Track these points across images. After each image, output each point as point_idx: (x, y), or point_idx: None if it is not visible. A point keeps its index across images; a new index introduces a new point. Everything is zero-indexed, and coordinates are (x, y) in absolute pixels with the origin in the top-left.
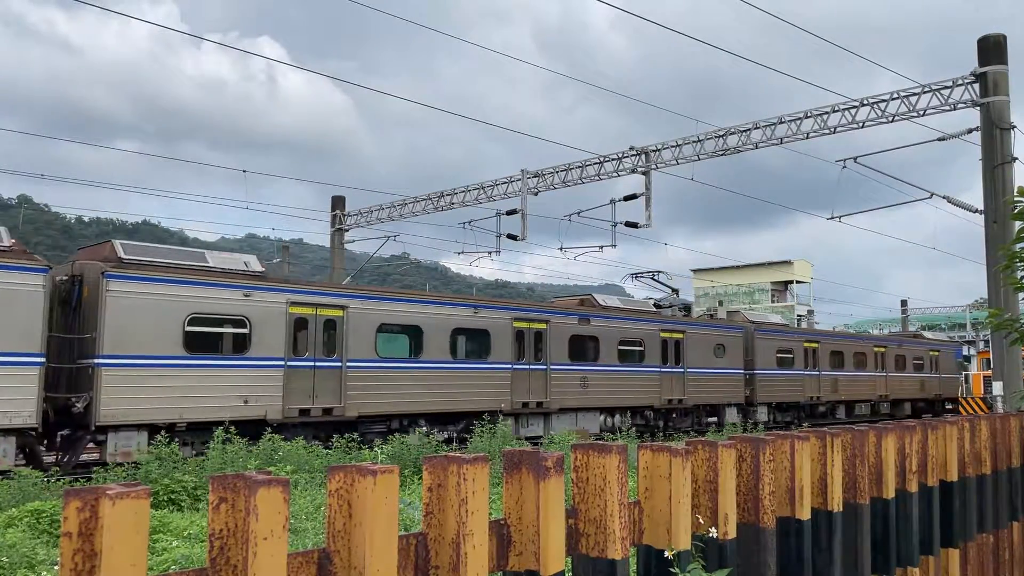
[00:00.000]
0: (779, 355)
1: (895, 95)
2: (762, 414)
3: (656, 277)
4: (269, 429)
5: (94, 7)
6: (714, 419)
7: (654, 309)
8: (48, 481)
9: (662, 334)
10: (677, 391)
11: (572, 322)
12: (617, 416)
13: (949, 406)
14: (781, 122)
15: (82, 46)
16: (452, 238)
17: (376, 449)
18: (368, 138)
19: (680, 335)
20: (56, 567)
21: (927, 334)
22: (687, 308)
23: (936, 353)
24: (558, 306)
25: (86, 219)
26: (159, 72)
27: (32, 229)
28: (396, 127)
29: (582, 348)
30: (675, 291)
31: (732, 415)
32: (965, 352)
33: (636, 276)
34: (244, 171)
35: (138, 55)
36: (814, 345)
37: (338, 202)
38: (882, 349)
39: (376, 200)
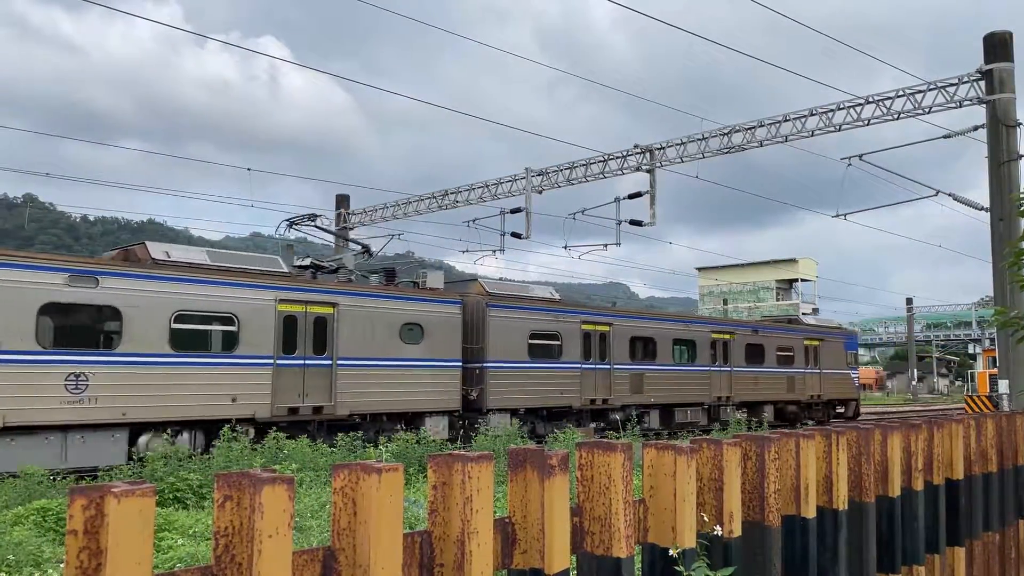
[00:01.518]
0: (534, 342)
1: (900, 92)
2: (498, 420)
3: (317, 223)
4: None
5: (98, 6)
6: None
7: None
8: (54, 480)
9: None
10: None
11: None
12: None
13: (840, 409)
14: (786, 120)
15: (85, 46)
16: (456, 236)
17: (381, 447)
18: (371, 137)
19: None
20: (62, 565)
21: (809, 319)
22: (390, 274)
23: (815, 343)
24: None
25: (91, 218)
26: (163, 73)
27: (37, 228)
28: (398, 126)
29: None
30: (365, 249)
31: (439, 425)
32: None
33: (291, 224)
34: (249, 170)
35: (142, 56)
36: (600, 328)
37: (342, 200)
38: (726, 336)
39: (380, 199)
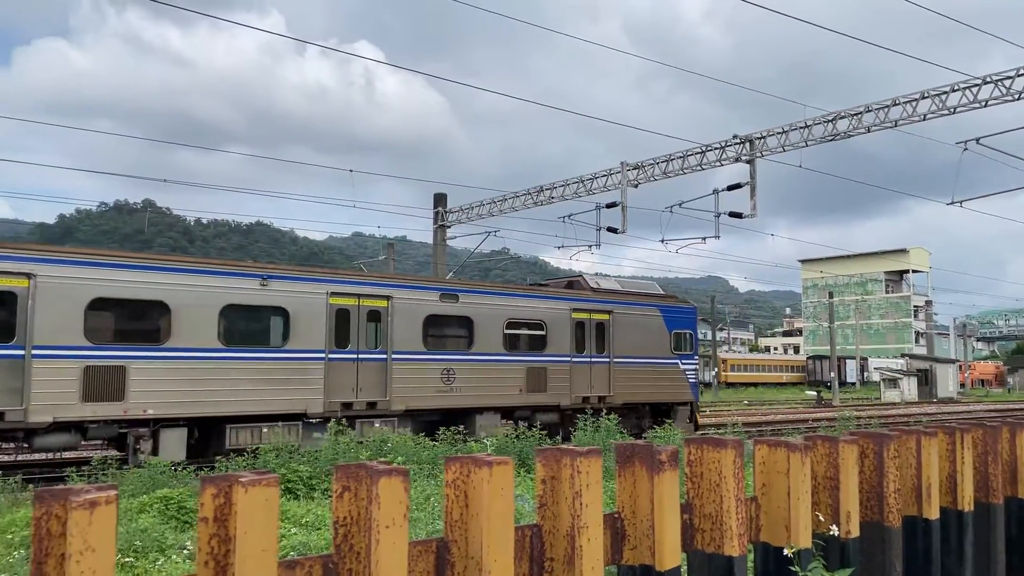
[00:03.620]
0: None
1: (1020, 72)
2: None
3: None
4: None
5: (207, 16)
6: None
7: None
8: (175, 470)
9: None
10: None
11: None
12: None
13: (667, 421)
14: (895, 104)
15: (194, 59)
16: (551, 232)
17: (484, 441)
18: (464, 136)
19: None
20: (185, 551)
21: (607, 280)
22: None
23: (600, 315)
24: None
25: (204, 221)
26: (266, 81)
27: (155, 231)
28: (490, 125)
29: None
30: None
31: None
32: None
33: None
34: (351, 171)
35: (246, 66)
36: (371, 303)
37: (440, 199)
38: (601, 315)
39: (475, 196)
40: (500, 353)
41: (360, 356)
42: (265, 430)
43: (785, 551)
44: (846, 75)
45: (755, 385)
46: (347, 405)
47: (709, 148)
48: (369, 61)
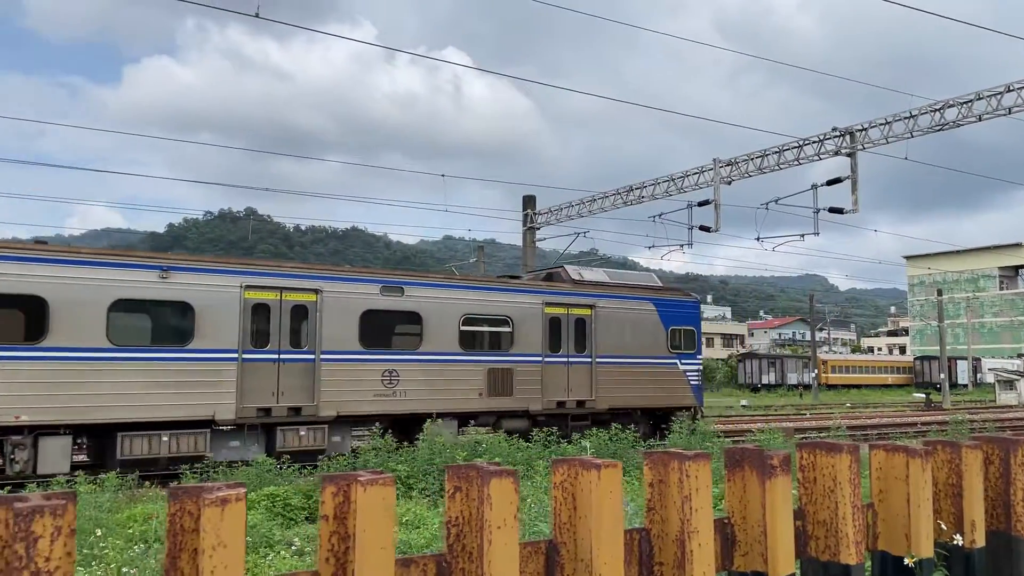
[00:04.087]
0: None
1: None
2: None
3: None
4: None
5: (305, 29)
6: None
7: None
8: (281, 468)
9: None
10: None
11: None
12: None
13: (661, 426)
14: (1009, 90)
15: (292, 72)
16: (642, 232)
17: (584, 442)
18: (551, 138)
19: None
20: (292, 547)
21: (592, 272)
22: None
23: (581, 310)
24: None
25: (303, 227)
26: (358, 90)
27: (258, 238)
28: (577, 126)
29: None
30: None
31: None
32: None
33: None
34: (443, 175)
35: (339, 76)
36: (297, 297)
37: (529, 201)
38: (580, 310)
39: (563, 197)
40: (455, 352)
41: (282, 356)
42: (165, 438)
43: (905, 560)
44: (953, 62)
45: (857, 387)
46: (266, 411)
47: (806, 142)
48: (457, 67)
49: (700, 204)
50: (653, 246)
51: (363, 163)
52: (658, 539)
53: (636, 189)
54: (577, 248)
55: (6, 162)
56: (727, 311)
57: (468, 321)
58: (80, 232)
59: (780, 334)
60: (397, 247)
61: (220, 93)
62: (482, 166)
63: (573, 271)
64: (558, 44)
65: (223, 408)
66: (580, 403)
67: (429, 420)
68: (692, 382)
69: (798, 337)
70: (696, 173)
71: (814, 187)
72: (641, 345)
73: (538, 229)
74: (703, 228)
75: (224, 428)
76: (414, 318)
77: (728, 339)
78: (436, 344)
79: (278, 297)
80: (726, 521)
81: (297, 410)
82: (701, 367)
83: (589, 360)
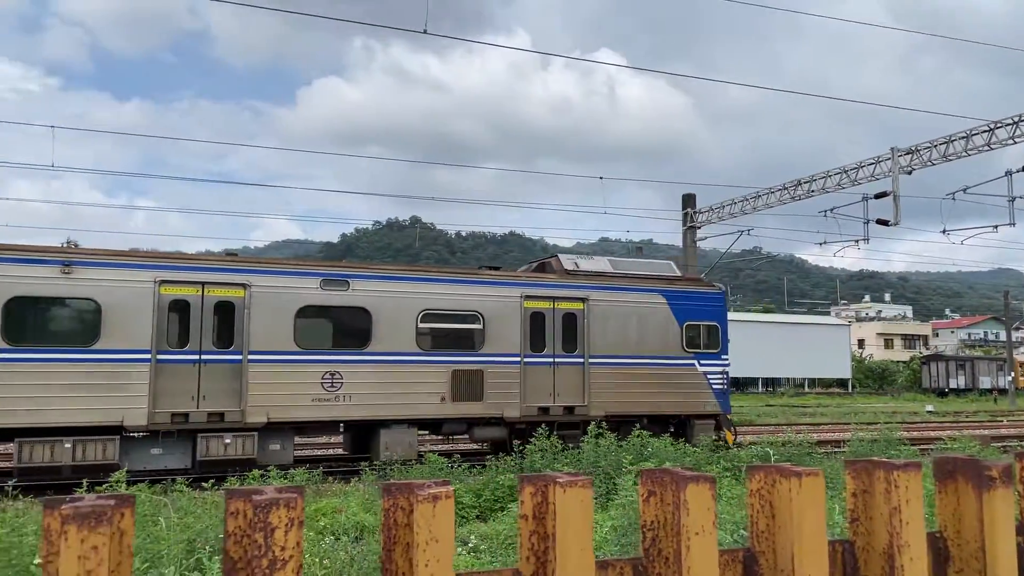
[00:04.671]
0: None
1: None
2: None
3: None
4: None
5: (463, 41)
6: None
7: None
8: (452, 467)
9: None
10: None
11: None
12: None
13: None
14: None
15: (451, 84)
16: (812, 228)
17: (767, 449)
18: (709, 135)
19: None
20: (468, 544)
21: (589, 261)
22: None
23: (571, 303)
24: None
25: (463, 234)
26: (514, 98)
27: (423, 245)
28: (736, 121)
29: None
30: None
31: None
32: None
33: None
34: (601, 178)
35: (496, 85)
36: (224, 293)
37: (688, 200)
38: (571, 304)
39: (723, 195)
40: (411, 352)
41: (204, 357)
42: (68, 445)
43: None
44: None
45: None
46: (184, 416)
47: (999, 124)
48: (611, 69)
49: (877, 196)
50: (824, 242)
51: (520, 169)
52: (863, 552)
53: (804, 183)
54: (740, 247)
55: (198, 181)
56: (908, 310)
57: (428, 317)
58: (263, 244)
59: (970, 334)
60: (554, 250)
61: (385, 108)
62: (639, 167)
63: (567, 260)
64: (713, 38)
65: (133, 413)
66: (569, 409)
67: (381, 428)
68: (714, 386)
69: (990, 337)
70: (871, 163)
71: (1008, 174)
72: (647, 343)
73: (698, 228)
74: (880, 222)
75: (136, 435)
76: (362, 314)
77: (909, 340)
78: (389, 343)
79: (199, 293)
80: (938, 535)
81: (221, 416)
82: (727, 369)
83: (581, 360)
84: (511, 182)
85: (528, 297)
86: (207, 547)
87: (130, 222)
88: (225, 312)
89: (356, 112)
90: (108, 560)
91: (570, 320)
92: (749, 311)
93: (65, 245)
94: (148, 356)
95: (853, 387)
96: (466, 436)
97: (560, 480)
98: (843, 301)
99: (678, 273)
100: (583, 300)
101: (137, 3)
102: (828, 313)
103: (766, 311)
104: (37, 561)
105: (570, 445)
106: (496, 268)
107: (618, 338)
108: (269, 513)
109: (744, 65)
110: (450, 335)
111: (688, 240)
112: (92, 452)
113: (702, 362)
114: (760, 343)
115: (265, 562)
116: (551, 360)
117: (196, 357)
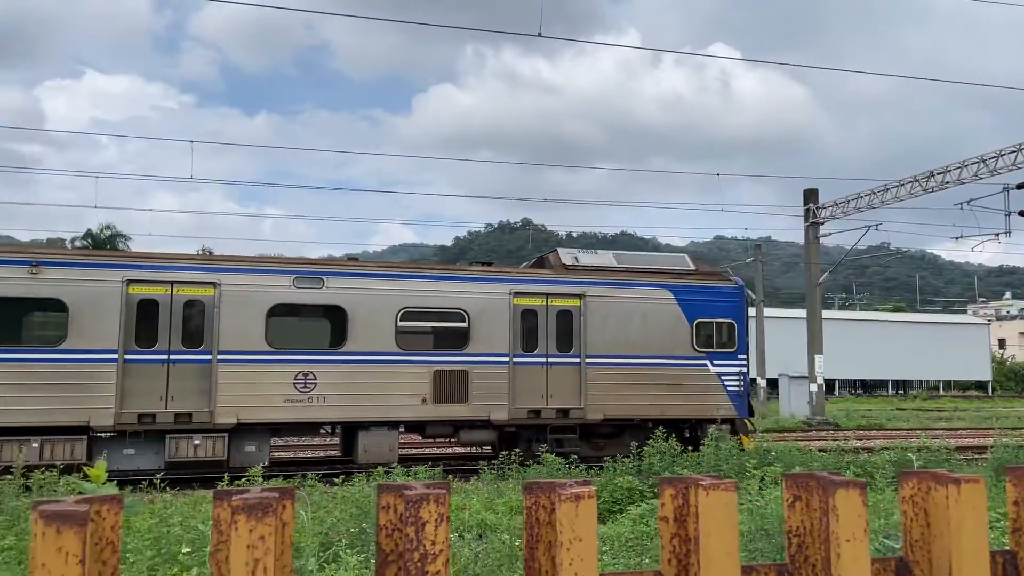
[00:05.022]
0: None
1: None
2: None
3: None
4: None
5: (574, 42)
6: None
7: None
8: (569, 467)
9: None
10: None
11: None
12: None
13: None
14: None
15: (562, 85)
16: (946, 222)
17: (909, 455)
18: (830, 127)
19: None
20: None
21: (588, 255)
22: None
23: (567, 299)
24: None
25: (574, 235)
26: (624, 97)
27: (534, 247)
28: (859, 111)
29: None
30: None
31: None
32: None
33: None
34: (718, 174)
35: (605, 85)
36: (194, 292)
37: (810, 195)
38: (566, 300)
39: (847, 189)
40: (390, 352)
41: (173, 357)
42: (35, 445)
43: None
44: None
45: None
46: (151, 416)
47: None
48: (725, 62)
49: (1019, 187)
50: (961, 236)
51: (632, 168)
52: None
53: (938, 174)
54: (866, 243)
55: (319, 189)
56: None
57: (408, 316)
58: (381, 248)
59: None
60: (666, 249)
61: (496, 112)
62: (755, 162)
63: (566, 254)
64: (833, 27)
65: (100, 413)
66: (563, 412)
67: (360, 430)
68: (729, 388)
69: None
70: (1013, 152)
71: None
72: (652, 341)
73: (821, 224)
74: (1023, 214)
75: (104, 435)
76: (337, 313)
77: None
78: (365, 342)
79: (168, 292)
80: None
81: (189, 416)
82: (744, 369)
83: (577, 360)
84: (622, 181)
85: (518, 294)
86: (342, 539)
87: (259, 229)
88: (195, 311)
89: (469, 117)
90: (274, 549)
91: (565, 317)
92: (876, 310)
93: (200, 252)
94: (115, 356)
95: (993, 390)
96: (478, 440)
97: (703, 483)
98: (981, 299)
99: (692, 267)
100: (580, 296)
101: (262, 20)
102: (964, 311)
103: (896, 310)
104: (186, 550)
105: (568, 448)
106: (488, 264)
107: (619, 336)
108: (420, 508)
109: (867, 53)
110: (432, 334)
111: (810, 237)
112: (60, 452)
113: (715, 362)
114: (890, 343)
115: (417, 556)
116: (544, 360)
117: (165, 357)
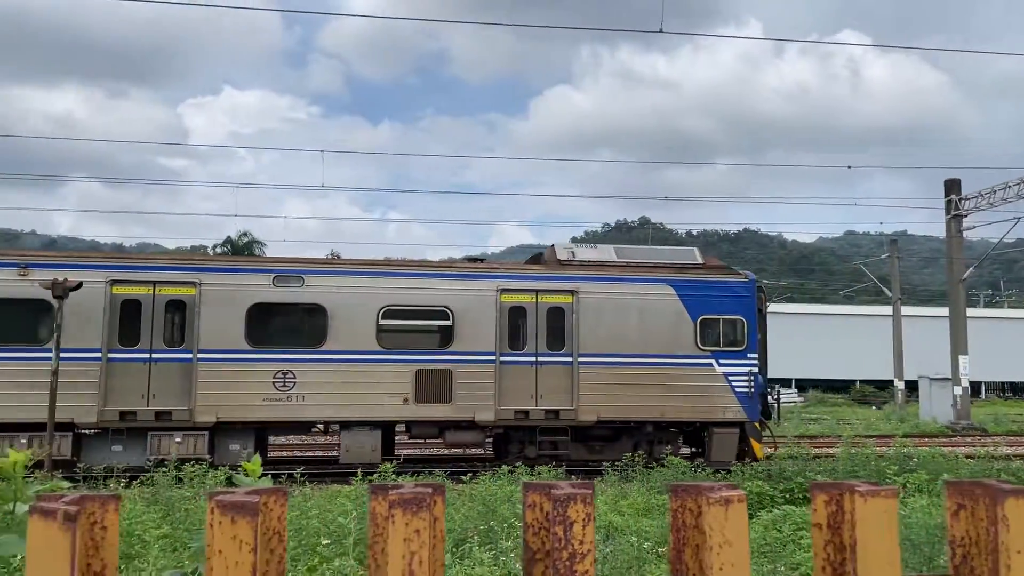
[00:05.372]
0: None
1: None
2: None
3: None
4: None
5: (694, 36)
6: None
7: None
8: (694, 472)
9: None
10: None
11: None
12: None
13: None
14: None
15: (679, 81)
16: None
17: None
18: (971, 113)
19: None
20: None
21: (587, 249)
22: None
23: (559, 297)
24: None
25: (694, 232)
26: (744, 90)
27: (653, 245)
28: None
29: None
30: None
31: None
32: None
33: None
34: (848, 167)
35: (725, 78)
36: (176, 291)
37: (952, 186)
38: (558, 297)
39: (993, 179)
40: (371, 351)
41: (154, 356)
42: (23, 441)
43: None
44: None
45: None
46: (132, 414)
47: None
48: (854, 50)
49: None
50: None
51: (755, 163)
52: None
53: None
54: (1015, 235)
55: (439, 193)
56: None
57: (390, 314)
58: (499, 249)
59: None
60: (792, 246)
61: (613, 111)
62: (888, 153)
63: (562, 249)
64: (972, 5)
65: (83, 411)
66: (554, 413)
67: (343, 430)
68: (738, 389)
69: None
70: None
71: None
72: (651, 339)
73: (964, 216)
74: None
75: (89, 432)
76: (317, 312)
77: None
78: (346, 341)
79: (151, 292)
80: None
81: (169, 414)
82: (755, 369)
83: (569, 359)
84: (745, 177)
85: (505, 290)
86: (474, 536)
87: (383, 234)
88: (176, 311)
89: (586, 117)
90: (428, 542)
91: (557, 315)
92: None
93: (329, 256)
94: (99, 355)
95: None
96: (464, 441)
97: (860, 489)
98: None
99: (700, 260)
100: (572, 292)
101: (384, 31)
102: None
103: None
104: (325, 542)
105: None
106: (477, 260)
107: (615, 334)
108: (567, 508)
109: (1014, 32)
110: (415, 332)
111: (952, 230)
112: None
113: (722, 362)
114: None
115: (565, 555)
116: (533, 359)
117: (147, 356)
